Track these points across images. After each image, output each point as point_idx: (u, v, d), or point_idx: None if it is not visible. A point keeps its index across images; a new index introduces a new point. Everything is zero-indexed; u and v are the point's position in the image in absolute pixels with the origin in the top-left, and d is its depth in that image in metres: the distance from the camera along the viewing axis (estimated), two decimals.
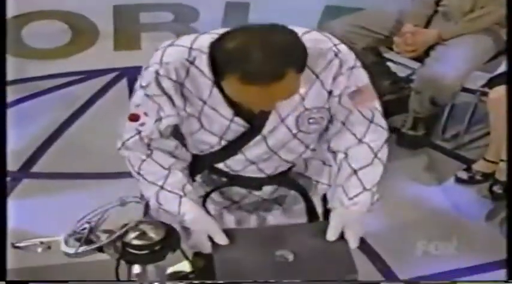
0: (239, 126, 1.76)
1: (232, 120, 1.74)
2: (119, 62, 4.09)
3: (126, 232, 1.58)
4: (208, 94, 1.70)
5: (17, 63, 3.88)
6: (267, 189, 1.95)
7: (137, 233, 1.58)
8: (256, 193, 1.95)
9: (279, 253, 1.69)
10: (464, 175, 3.30)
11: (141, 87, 1.73)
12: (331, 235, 1.74)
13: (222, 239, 1.71)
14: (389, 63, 3.67)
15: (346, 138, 1.81)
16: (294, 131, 1.78)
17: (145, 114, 1.74)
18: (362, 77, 1.77)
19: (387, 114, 3.88)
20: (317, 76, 1.72)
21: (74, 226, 1.55)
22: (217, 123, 1.75)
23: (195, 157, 1.88)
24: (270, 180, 1.92)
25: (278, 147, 1.81)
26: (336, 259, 1.70)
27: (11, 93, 3.57)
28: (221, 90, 1.67)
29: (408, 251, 2.97)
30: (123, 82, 3.99)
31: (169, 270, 1.66)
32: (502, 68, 3.17)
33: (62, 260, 1.79)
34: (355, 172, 1.79)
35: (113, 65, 4.09)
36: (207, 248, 1.72)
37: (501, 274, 2.57)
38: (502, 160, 3.13)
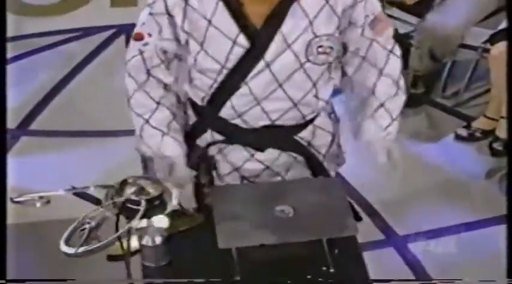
0: (242, 47, 1.72)
1: (235, 41, 1.71)
2: (115, 19, 4.06)
3: (125, 188, 1.58)
4: (213, 9, 1.70)
5: (13, 20, 3.84)
6: (270, 155, 1.91)
7: (135, 188, 1.58)
8: (259, 156, 1.90)
9: (279, 208, 1.69)
10: (463, 132, 3.30)
11: (148, 5, 1.76)
12: (382, 158, 1.86)
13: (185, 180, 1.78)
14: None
15: (368, 72, 1.83)
16: (302, 59, 1.74)
17: (149, 34, 1.76)
18: (376, 4, 1.78)
19: None
20: (326, 1, 1.71)
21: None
22: (220, 45, 1.72)
23: (198, 113, 1.87)
24: (274, 141, 1.88)
25: (283, 77, 1.76)
26: (336, 216, 1.70)
27: (8, 51, 3.55)
28: (226, 3, 1.68)
29: (407, 208, 2.98)
30: (121, 40, 3.96)
31: (168, 226, 1.65)
32: (504, 24, 3.14)
33: (61, 216, 1.81)
34: (382, 105, 1.84)
35: (109, 22, 4.06)
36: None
37: (500, 229, 2.59)
38: (502, 117, 3.13)
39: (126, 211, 1.58)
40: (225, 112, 1.83)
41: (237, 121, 1.83)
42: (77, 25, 4.05)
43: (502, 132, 3.14)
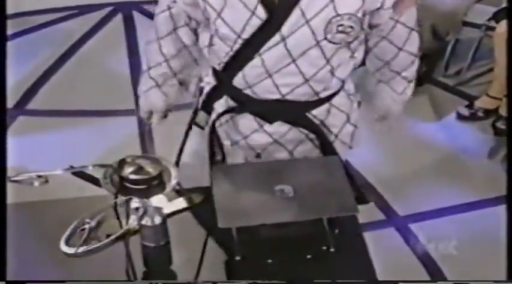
0: (259, 19, 1.72)
1: (254, 11, 1.71)
2: None
3: (123, 167, 1.58)
4: None
5: None
6: (280, 128, 1.91)
7: (134, 168, 1.58)
8: (267, 128, 1.91)
9: (279, 187, 1.69)
10: (465, 111, 3.30)
11: None
12: (377, 124, 2.04)
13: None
14: None
15: (388, 49, 1.89)
16: (319, 37, 1.73)
17: None
18: None
19: None
20: None
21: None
22: (239, 14, 1.73)
23: (216, 78, 1.89)
24: (284, 115, 1.89)
25: (297, 52, 1.75)
26: (336, 195, 1.70)
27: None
28: None
29: (408, 188, 2.99)
30: (119, 18, 3.95)
31: (167, 205, 1.65)
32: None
33: (61, 195, 1.82)
34: (398, 73, 1.94)
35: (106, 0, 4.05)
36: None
37: (500, 210, 2.60)
38: (506, 96, 3.12)
39: (125, 190, 1.57)
40: (237, 81, 1.84)
41: (248, 92, 1.84)
42: (75, 3, 4.03)
43: (505, 111, 3.14)
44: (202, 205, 1.75)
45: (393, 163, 3.10)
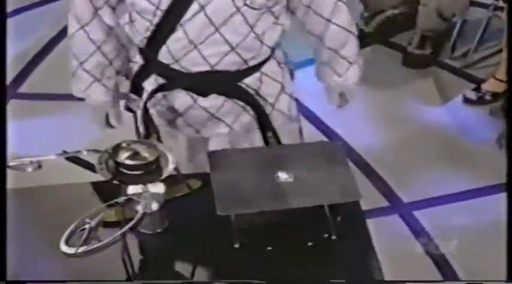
0: None
1: None
2: None
3: (119, 152, 1.58)
4: None
5: None
6: (214, 101, 1.91)
7: (130, 153, 1.59)
8: (202, 103, 1.91)
9: (279, 174, 1.70)
10: (472, 95, 3.30)
11: None
12: (331, 101, 2.04)
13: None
14: None
15: (315, 20, 1.89)
16: (238, 3, 1.74)
17: None
18: None
19: (393, 30, 3.87)
20: None
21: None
22: None
23: (142, 56, 1.89)
24: (216, 87, 1.89)
25: (219, 20, 1.76)
26: (338, 182, 1.70)
27: None
28: None
29: (413, 175, 2.99)
30: None
31: (165, 192, 1.66)
32: None
33: (55, 181, 1.82)
34: (336, 51, 1.93)
35: None
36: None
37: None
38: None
39: (120, 176, 1.58)
40: (163, 56, 1.84)
41: (176, 66, 1.85)
42: None
43: None
44: (200, 191, 1.77)
45: (397, 148, 3.10)
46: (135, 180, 1.60)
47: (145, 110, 1.93)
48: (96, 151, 1.63)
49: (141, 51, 1.90)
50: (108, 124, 2.04)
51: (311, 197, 1.66)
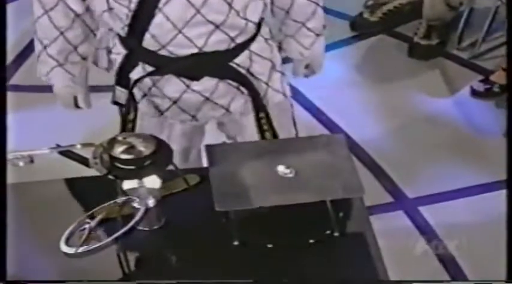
0: None
1: None
2: None
3: (114, 146, 1.58)
4: None
5: None
6: (208, 84, 1.92)
7: (125, 146, 1.59)
8: (195, 87, 1.92)
9: (280, 168, 1.70)
10: (480, 87, 3.30)
11: None
12: (298, 73, 2.11)
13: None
14: None
15: None
16: None
17: None
18: None
19: (398, 19, 3.86)
20: None
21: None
22: None
23: (125, 45, 1.90)
24: (208, 69, 1.90)
25: (198, 1, 1.77)
26: (340, 177, 1.71)
27: None
28: None
29: (419, 169, 3.00)
30: None
31: (161, 187, 1.66)
32: None
33: (47, 176, 1.82)
34: (303, 24, 2.00)
35: None
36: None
37: None
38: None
39: (116, 171, 1.58)
40: (148, 43, 1.85)
41: (164, 52, 1.85)
42: None
43: None
44: (198, 187, 1.77)
45: (402, 142, 3.11)
46: (131, 175, 1.60)
47: (134, 101, 1.94)
48: (90, 145, 1.63)
49: (123, 40, 1.90)
50: (77, 106, 2.09)
51: (312, 192, 1.66)
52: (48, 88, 3.34)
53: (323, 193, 1.67)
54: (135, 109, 1.95)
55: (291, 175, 1.69)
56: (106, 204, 1.62)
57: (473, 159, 3.01)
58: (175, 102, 1.95)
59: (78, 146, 1.65)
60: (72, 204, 1.77)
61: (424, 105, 3.29)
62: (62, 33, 1.92)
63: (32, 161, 1.62)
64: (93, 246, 1.57)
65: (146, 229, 1.65)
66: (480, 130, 3.16)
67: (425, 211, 2.81)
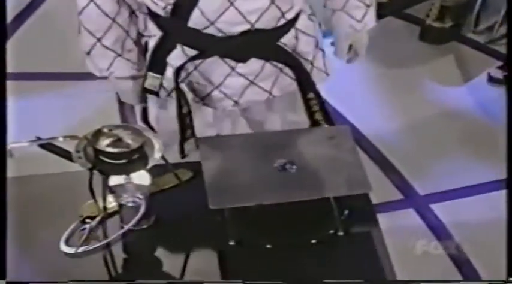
0: None
1: None
2: None
3: (99, 138, 1.59)
4: None
5: None
6: (254, 66, 1.93)
7: (112, 139, 1.59)
8: (241, 69, 1.92)
9: (279, 162, 1.71)
10: (498, 73, 3.30)
11: None
12: (341, 54, 2.09)
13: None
14: None
15: None
16: None
17: None
18: None
19: (409, 0, 3.84)
20: None
21: None
22: None
23: (162, 27, 1.90)
24: (257, 49, 1.91)
25: None
26: (345, 171, 1.72)
27: None
28: None
29: (431, 164, 3.00)
30: None
31: (151, 183, 1.67)
32: None
33: (29, 171, 1.83)
34: None
35: None
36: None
37: None
38: None
39: (101, 165, 1.59)
40: (195, 21, 1.84)
41: (211, 30, 1.85)
42: None
43: None
44: (190, 182, 1.78)
45: (412, 134, 3.11)
46: (117, 170, 1.61)
47: (177, 87, 1.93)
48: (73, 137, 1.64)
49: (162, 20, 1.89)
50: (142, 100, 2.03)
51: (315, 188, 1.67)
52: (26, 76, 3.34)
53: (326, 190, 1.68)
54: (186, 101, 1.94)
55: (291, 170, 1.70)
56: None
57: (489, 152, 3.01)
58: (217, 87, 1.96)
59: (60, 139, 1.66)
60: (56, 200, 1.78)
61: (437, 94, 3.30)
62: (113, 19, 1.90)
63: (10, 155, 1.63)
64: (93, 246, 1.62)
65: (134, 228, 1.66)
66: (497, 121, 3.16)
67: (437, 208, 2.82)
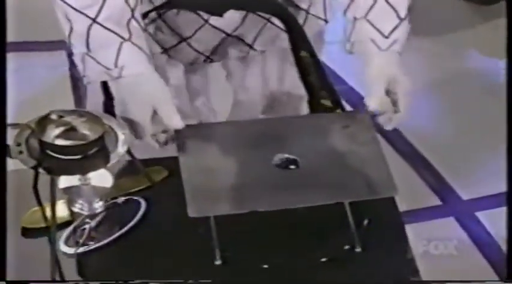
0: None
1: None
2: None
3: (46, 127, 1.59)
4: None
5: None
6: (232, 17, 1.95)
7: (62, 128, 1.59)
8: (215, 22, 1.95)
9: (278, 158, 1.71)
10: None
11: None
12: (375, 102, 1.81)
13: (175, 120, 1.72)
14: None
15: None
16: None
17: None
18: None
19: None
20: None
21: None
22: None
23: None
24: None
25: None
26: (363, 169, 1.72)
27: None
28: None
29: (476, 163, 3.01)
30: None
31: (114, 185, 1.68)
32: None
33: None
34: None
35: None
36: (147, 130, 1.73)
37: None
38: None
39: (48, 161, 1.59)
40: None
41: None
42: None
43: None
44: (165, 184, 1.79)
45: (453, 122, 3.12)
46: (70, 168, 1.61)
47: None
48: (13, 125, 1.63)
49: None
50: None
51: (324, 192, 1.67)
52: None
53: (339, 193, 1.68)
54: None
55: (294, 168, 1.70)
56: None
57: None
58: (186, 39, 1.99)
59: None
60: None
61: (486, 69, 3.31)
62: None
63: None
64: (93, 246, 1.71)
65: (91, 242, 1.71)
66: None
67: (484, 217, 2.83)
